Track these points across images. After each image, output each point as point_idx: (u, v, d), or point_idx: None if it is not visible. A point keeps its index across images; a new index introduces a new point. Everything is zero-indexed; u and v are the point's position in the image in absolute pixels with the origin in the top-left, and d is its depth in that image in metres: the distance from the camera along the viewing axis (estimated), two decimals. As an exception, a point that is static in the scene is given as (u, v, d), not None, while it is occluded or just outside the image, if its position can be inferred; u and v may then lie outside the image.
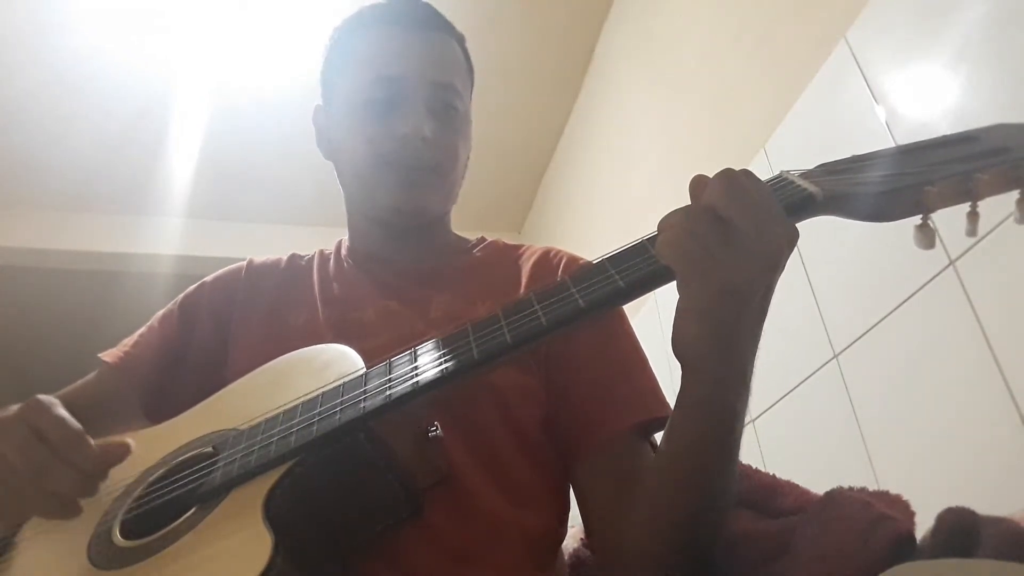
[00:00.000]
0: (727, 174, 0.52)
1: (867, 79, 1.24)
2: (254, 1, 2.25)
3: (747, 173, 0.53)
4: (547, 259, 0.86)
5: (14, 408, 0.62)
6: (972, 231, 0.51)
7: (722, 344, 0.53)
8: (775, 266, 0.52)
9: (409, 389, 0.57)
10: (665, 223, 0.53)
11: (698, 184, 0.53)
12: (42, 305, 3.04)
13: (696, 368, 0.56)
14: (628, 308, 0.80)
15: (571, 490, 0.78)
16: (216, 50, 2.38)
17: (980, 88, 1.03)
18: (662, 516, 0.62)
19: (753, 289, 0.52)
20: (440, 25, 0.87)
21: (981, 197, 0.50)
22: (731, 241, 0.50)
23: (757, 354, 0.56)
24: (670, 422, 0.61)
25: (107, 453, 0.63)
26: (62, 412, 0.62)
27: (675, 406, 0.59)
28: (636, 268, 0.54)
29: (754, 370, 0.57)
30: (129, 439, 0.67)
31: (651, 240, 0.55)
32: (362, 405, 0.58)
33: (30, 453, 0.58)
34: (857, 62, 1.27)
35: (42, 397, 0.63)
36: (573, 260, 0.85)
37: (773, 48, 1.55)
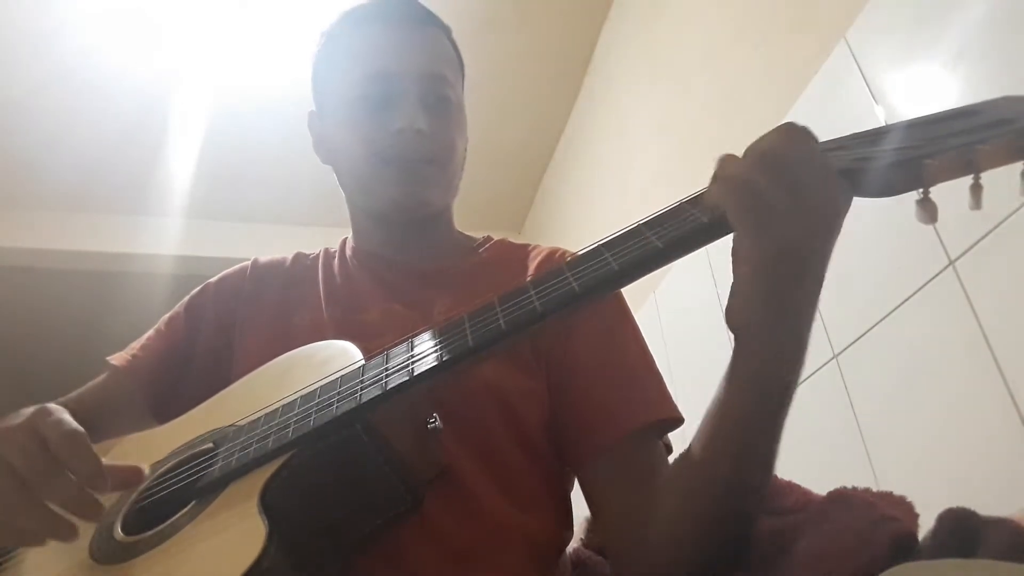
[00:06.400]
0: (790, 124, 0.51)
1: (867, 79, 1.24)
2: (254, 1, 2.25)
3: (807, 128, 0.51)
4: (552, 259, 0.86)
5: (26, 412, 0.59)
6: (976, 204, 0.50)
7: (779, 311, 0.52)
8: (832, 227, 0.51)
9: (405, 378, 0.57)
10: (722, 171, 0.51)
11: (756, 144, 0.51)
12: (42, 305, 3.04)
13: (751, 337, 0.54)
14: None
15: (572, 494, 0.77)
16: (216, 50, 2.38)
17: (979, 88, 1.03)
18: (700, 495, 0.60)
19: (813, 249, 0.51)
20: (426, 19, 0.87)
21: (983, 169, 0.49)
22: (793, 192, 0.49)
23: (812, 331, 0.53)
24: (717, 399, 0.58)
25: (115, 471, 0.58)
26: (64, 415, 0.58)
27: (725, 380, 0.57)
28: (629, 251, 0.54)
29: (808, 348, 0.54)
30: (142, 466, 0.63)
31: (647, 225, 0.55)
32: (358, 396, 0.58)
33: (32, 457, 0.55)
34: (857, 62, 1.27)
35: (49, 405, 0.60)
36: None
37: (773, 48, 1.55)
